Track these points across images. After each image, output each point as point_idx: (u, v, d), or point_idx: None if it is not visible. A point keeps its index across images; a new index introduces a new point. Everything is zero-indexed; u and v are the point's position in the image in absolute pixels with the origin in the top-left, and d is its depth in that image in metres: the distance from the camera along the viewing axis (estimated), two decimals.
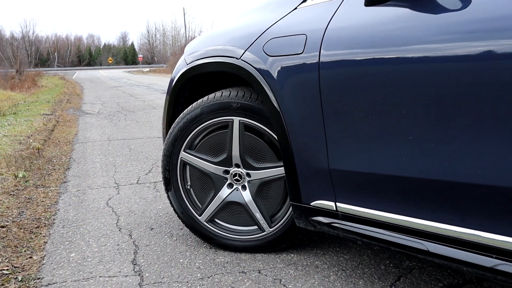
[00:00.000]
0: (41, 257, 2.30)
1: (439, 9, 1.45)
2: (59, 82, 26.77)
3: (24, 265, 2.20)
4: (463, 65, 1.36)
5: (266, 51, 1.93)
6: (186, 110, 2.24)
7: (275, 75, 1.87)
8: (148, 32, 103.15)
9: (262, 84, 1.91)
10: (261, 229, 2.21)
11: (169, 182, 2.33)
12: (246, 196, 2.20)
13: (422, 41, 1.45)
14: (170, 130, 2.27)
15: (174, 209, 2.36)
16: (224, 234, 2.28)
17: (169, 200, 2.36)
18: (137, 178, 3.86)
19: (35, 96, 14.60)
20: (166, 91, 2.55)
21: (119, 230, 2.65)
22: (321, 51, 1.72)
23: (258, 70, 1.93)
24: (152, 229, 2.65)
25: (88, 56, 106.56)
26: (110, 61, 77.82)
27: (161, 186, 3.56)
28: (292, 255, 2.23)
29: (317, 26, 1.77)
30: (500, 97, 1.29)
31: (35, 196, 3.37)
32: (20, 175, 3.92)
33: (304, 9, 1.91)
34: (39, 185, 3.68)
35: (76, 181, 3.84)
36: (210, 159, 2.22)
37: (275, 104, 1.87)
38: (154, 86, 19.38)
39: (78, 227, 2.72)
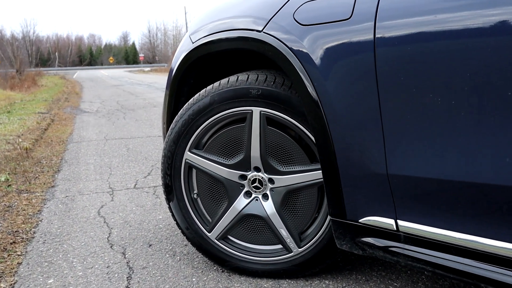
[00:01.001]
0: (11, 285, 1.83)
1: None
2: (59, 81, 26.31)
3: None
4: None
5: (297, 19, 1.46)
6: (191, 99, 1.78)
7: (311, 50, 1.40)
8: (149, 31, 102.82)
9: (293, 64, 1.45)
10: (287, 249, 1.74)
11: (170, 190, 1.86)
12: (269, 207, 1.74)
13: None
14: (172, 125, 1.81)
15: (177, 223, 1.90)
16: (240, 255, 1.82)
17: (171, 212, 1.90)
18: (135, 182, 3.39)
19: (33, 95, 14.16)
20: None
21: (111, 246, 2.19)
22: (378, 15, 1.26)
23: (287, 45, 1.47)
24: (150, 245, 2.19)
25: (89, 55, 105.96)
26: (111, 61, 77.31)
27: (162, 192, 3.10)
28: (327, 282, 1.77)
29: None
30: None
31: (16, 203, 2.91)
32: (3, 179, 3.46)
33: None
34: (22, 190, 3.22)
35: (66, 185, 3.38)
36: (222, 161, 1.76)
37: (311, 90, 1.41)
38: (155, 84, 18.91)
39: (62, 242, 2.26)
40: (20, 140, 5.16)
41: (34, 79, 25.84)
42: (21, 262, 2.04)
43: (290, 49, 1.46)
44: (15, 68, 30.76)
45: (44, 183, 3.44)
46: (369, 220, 1.38)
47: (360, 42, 1.29)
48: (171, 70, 2.00)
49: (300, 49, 1.43)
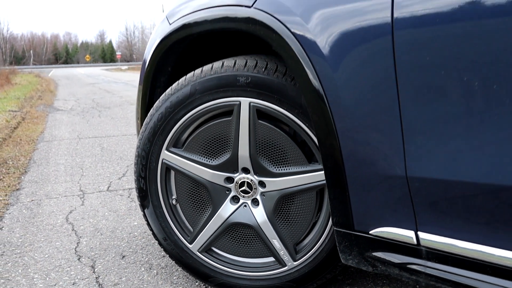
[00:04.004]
0: None
1: None
2: (33, 79, 25.63)
3: None
4: None
5: None
6: (169, 89, 1.53)
7: (314, 31, 1.17)
8: (126, 29, 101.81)
9: (292, 46, 1.21)
10: (280, 262, 1.51)
11: (145, 195, 1.61)
12: (259, 214, 1.50)
13: None
14: (146, 120, 1.56)
15: (154, 234, 1.65)
16: (227, 269, 1.58)
17: (146, 220, 1.65)
18: (108, 184, 3.13)
19: (5, 93, 13.65)
20: None
21: (79, 259, 1.94)
22: None
23: (284, 22, 1.23)
24: (123, 257, 1.94)
25: (65, 54, 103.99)
26: (87, 59, 76.12)
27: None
28: None
29: None
30: None
31: None
32: None
33: None
34: None
35: (32, 188, 3.09)
36: (205, 162, 1.51)
37: (314, 79, 1.17)
38: (132, 82, 18.53)
39: (23, 254, 1.99)
40: None
41: (7, 77, 25.11)
42: None
43: (287, 26, 1.22)
44: None
45: (9, 186, 3.15)
46: (382, 231, 1.16)
47: (375, 20, 1.07)
48: (144, 60, 1.76)
49: (301, 29, 1.19)
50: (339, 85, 1.13)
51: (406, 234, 1.11)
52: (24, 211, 2.60)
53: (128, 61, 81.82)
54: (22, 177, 3.43)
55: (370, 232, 1.18)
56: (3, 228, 2.33)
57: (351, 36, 1.11)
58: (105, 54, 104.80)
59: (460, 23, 0.95)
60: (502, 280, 0.98)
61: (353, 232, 1.22)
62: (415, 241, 1.10)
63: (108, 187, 3.04)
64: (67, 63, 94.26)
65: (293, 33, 1.21)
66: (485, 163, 0.97)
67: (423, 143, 1.05)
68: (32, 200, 2.80)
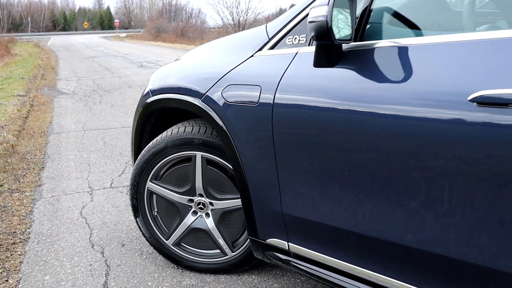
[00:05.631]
0: (17, 281, 2.43)
1: (379, 78, 1.58)
2: (33, 50, 26.25)
3: None
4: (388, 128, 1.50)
5: (224, 96, 2.04)
6: (151, 143, 2.35)
7: (232, 120, 1.99)
8: None
9: (222, 126, 2.03)
10: (223, 253, 2.37)
11: (137, 209, 2.46)
12: (210, 223, 2.35)
13: (360, 100, 1.58)
14: (137, 162, 2.39)
15: (143, 234, 2.50)
16: (190, 257, 2.44)
17: (138, 225, 2.50)
18: (111, 181, 3.97)
19: (9, 71, 14.35)
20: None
21: (92, 246, 2.79)
22: (274, 106, 1.84)
23: (218, 113, 2.05)
24: (123, 245, 2.79)
25: (63, 20, 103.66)
26: (85, 26, 76.23)
27: None
28: (253, 276, 2.40)
29: (271, 79, 1.89)
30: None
31: (10, 203, 3.47)
32: None
33: (259, 58, 2.01)
34: (14, 190, 3.77)
35: (51, 184, 3.93)
36: (175, 189, 2.35)
37: (233, 146, 2.00)
38: (131, 56, 19.24)
39: (53, 243, 2.85)
40: (4, 133, 5.63)
41: (7, 46, 25.60)
42: (22, 261, 2.63)
43: (219, 115, 2.04)
44: None
45: (32, 182, 3.98)
46: (272, 241, 2.00)
47: (263, 120, 1.88)
48: (137, 108, 2.56)
49: (226, 117, 2.01)
50: (243, 143, 1.95)
51: (283, 243, 1.96)
52: (48, 206, 3.44)
53: (126, 28, 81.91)
54: (41, 173, 4.26)
55: (267, 240, 2.03)
56: (34, 221, 3.17)
57: (252, 124, 1.92)
58: (103, 21, 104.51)
59: (301, 120, 1.76)
60: (331, 273, 1.83)
61: (257, 240, 2.07)
62: (287, 248, 1.95)
63: (111, 184, 3.88)
64: (65, 30, 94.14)
65: (221, 119, 2.02)
66: (329, 210, 1.79)
67: (291, 192, 1.88)
68: (52, 196, 3.64)
